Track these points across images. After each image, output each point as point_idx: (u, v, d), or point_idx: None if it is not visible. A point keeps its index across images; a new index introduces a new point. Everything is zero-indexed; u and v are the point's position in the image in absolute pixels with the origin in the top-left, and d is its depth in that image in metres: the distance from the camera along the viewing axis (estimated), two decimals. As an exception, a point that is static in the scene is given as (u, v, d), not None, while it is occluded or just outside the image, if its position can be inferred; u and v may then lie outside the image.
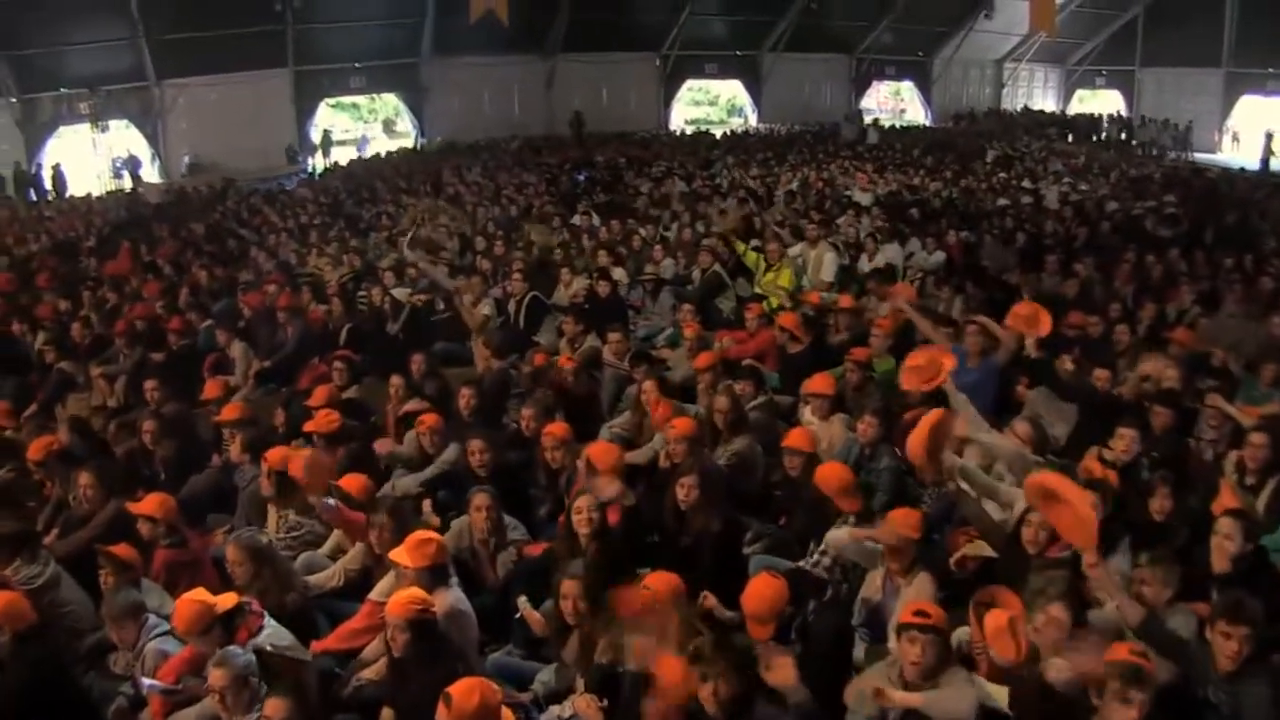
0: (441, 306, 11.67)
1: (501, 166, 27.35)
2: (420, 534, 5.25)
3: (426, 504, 7.03)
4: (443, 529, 6.40)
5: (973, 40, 41.81)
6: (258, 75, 32.60)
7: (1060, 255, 12.92)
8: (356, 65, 34.65)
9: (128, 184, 30.06)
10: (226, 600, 4.95)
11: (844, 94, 42.46)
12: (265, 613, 5.06)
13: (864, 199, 18.86)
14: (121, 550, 5.83)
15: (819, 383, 7.90)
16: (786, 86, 40.69)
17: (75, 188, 29.69)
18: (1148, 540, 5.43)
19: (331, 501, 6.05)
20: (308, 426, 7.61)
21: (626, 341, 9.80)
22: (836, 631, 5.23)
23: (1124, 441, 6.60)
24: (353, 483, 6.39)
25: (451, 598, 5.18)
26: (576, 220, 17.02)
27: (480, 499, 6.16)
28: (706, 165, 26.64)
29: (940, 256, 13.80)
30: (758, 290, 12.00)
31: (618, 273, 12.69)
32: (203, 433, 8.64)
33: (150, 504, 6.23)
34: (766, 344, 9.77)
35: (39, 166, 29.97)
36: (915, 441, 5.55)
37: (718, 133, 37.17)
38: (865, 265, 13.17)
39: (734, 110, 43.32)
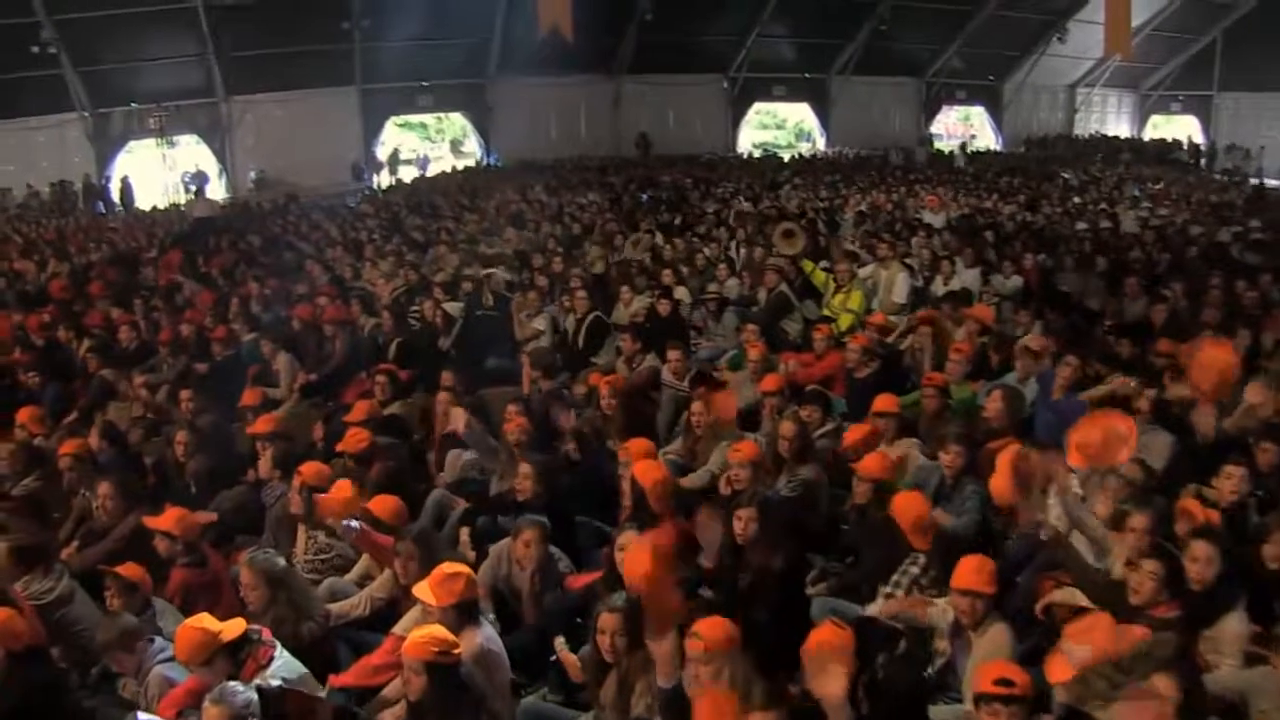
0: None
1: (565, 185, 27.04)
2: (447, 568, 4.77)
3: (464, 533, 6.57)
4: (480, 560, 5.99)
5: (1045, 65, 40.89)
6: (325, 93, 32.85)
7: (1142, 280, 12.22)
8: (423, 84, 34.64)
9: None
10: (233, 628, 4.53)
11: (913, 118, 41.71)
12: (277, 643, 4.62)
13: (936, 221, 18.20)
14: (128, 570, 5.47)
15: (884, 402, 7.42)
16: (855, 110, 40.01)
17: (143, 201, 30.05)
18: (1265, 594, 4.80)
19: (355, 524, 5.63)
20: (339, 445, 7.21)
21: (686, 359, 9.30)
22: (909, 690, 4.64)
23: (1231, 480, 5.91)
24: (383, 505, 5.97)
25: (480, 639, 4.70)
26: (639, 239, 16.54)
27: (529, 533, 5.66)
28: (773, 187, 26.15)
29: (1018, 281, 13.13)
30: (826, 312, 11.47)
31: (680, 292, 12.20)
32: (241, 447, 8.27)
33: (168, 520, 5.87)
34: (834, 368, 9.21)
35: (107, 179, 30.45)
36: (1002, 481, 4.99)
37: (785, 156, 36.57)
38: (939, 288, 12.54)
39: (801, 134, 42.69)
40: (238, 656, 4.50)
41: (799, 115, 42.67)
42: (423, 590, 4.70)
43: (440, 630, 4.34)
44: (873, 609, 5.47)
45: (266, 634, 4.63)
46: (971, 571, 4.80)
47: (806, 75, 39.37)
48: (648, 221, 18.89)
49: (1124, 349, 9.07)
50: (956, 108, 43.59)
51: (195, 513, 6.28)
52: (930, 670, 5.02)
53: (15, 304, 14.15)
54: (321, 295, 12.30)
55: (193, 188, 30.77)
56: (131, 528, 6.24)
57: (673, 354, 9.16)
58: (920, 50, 39.78)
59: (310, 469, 6.30)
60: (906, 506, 5.49)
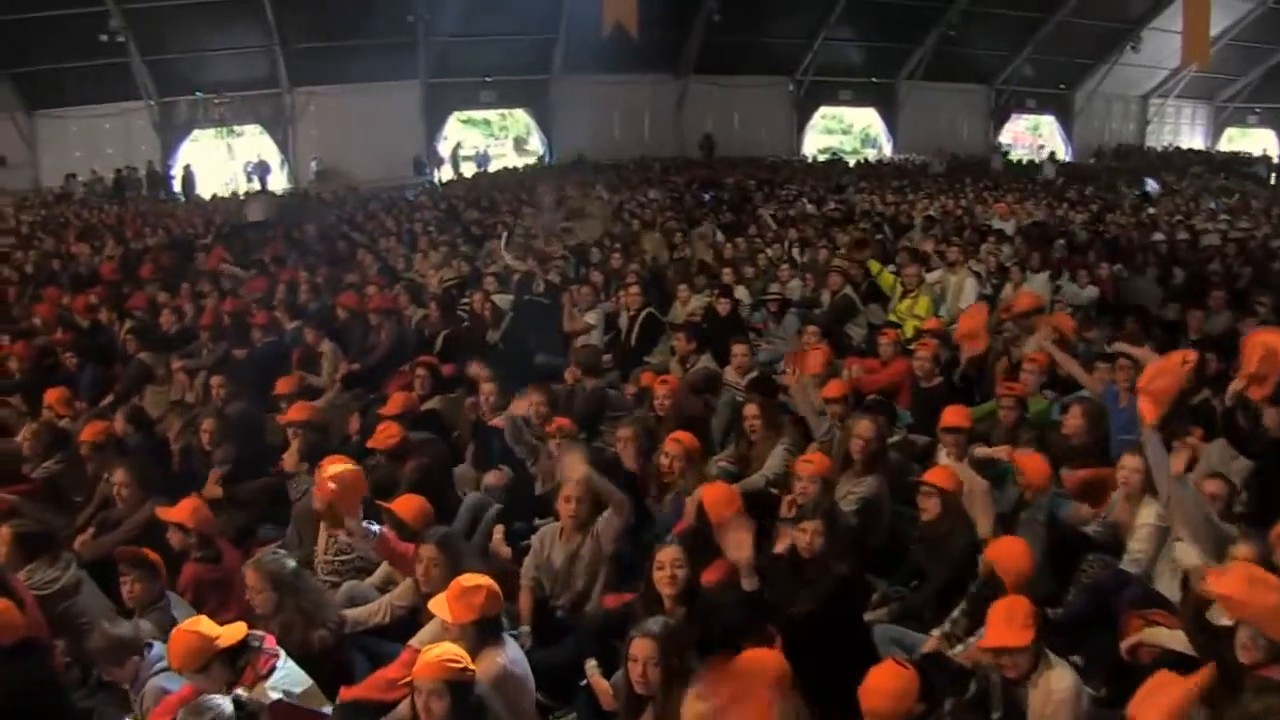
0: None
1: (626, 184, 26.65)
2: (467, 580, 4.28)
3: (497, 532, 6.13)
4: (516, 561, 5.56)
5: (1117, 74, 39.67)
6: (388, 86, 32.58)
7: (1225, 293, 11.52)
8: (487, 80, 34.37)
9: (257, 188, 30.46)
10: (231, 634, 4.12)
11: (981, 126, 40.72)
12: (280, 652, 4.21)
13: (1005, 228, 17.53)
14: (144, 551, 5.15)
15: (955, 415, 6.75)
16: (922, 117, 39.04)
17: (205, 190, 30.23)
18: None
19: (374, 527, 5.17)
20: (370, 441, 6.81)
21: (751, 356, 8.79)
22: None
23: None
24: (407, 506, 5.52)
25: (501, 660, 4.23)
26: (699, 235, 16.07)
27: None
28: (839, 190, 25.56)
29: (1093, 291, 12.49)
30: (891, 318, 10.93)
31: (740, 292, 11.71)
32: (274, 437, 7.90)
33: (182, 511, 5.50)
34: (900, 376, 8.65)
35: (170, 167, 30.75)
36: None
37: (850, 162, 35.94)
38: (1009, 294, 11.93)
39: (867, 140, 41.90)
40: (236, 664, 4.11)
41: (865, 121, 41.80)
42: (439, 605, 4.24)
43: (455, 649, 3.89)
44: (934, 642, 4.95)
45: (270, 641, 4.22)
46: (1000, 623, 4.13)
47: (874, 80, 38.54)
48: (709, 220, 18.42)
49: (1211, 364, 8.42)
50: (1026, 116, 42.48)
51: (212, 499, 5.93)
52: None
53: (69, 286, 14.00)
54: (371, 285, 11.97)
55: (254, 177, 31.36)
56: (146, 517, 5.90)
57: (738, 349, 8.64)
58: (990, 57, 38.80)
59: (333, 463, 5.88)
60: (1010, 557, 4.81)
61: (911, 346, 9.09)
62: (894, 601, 5.57)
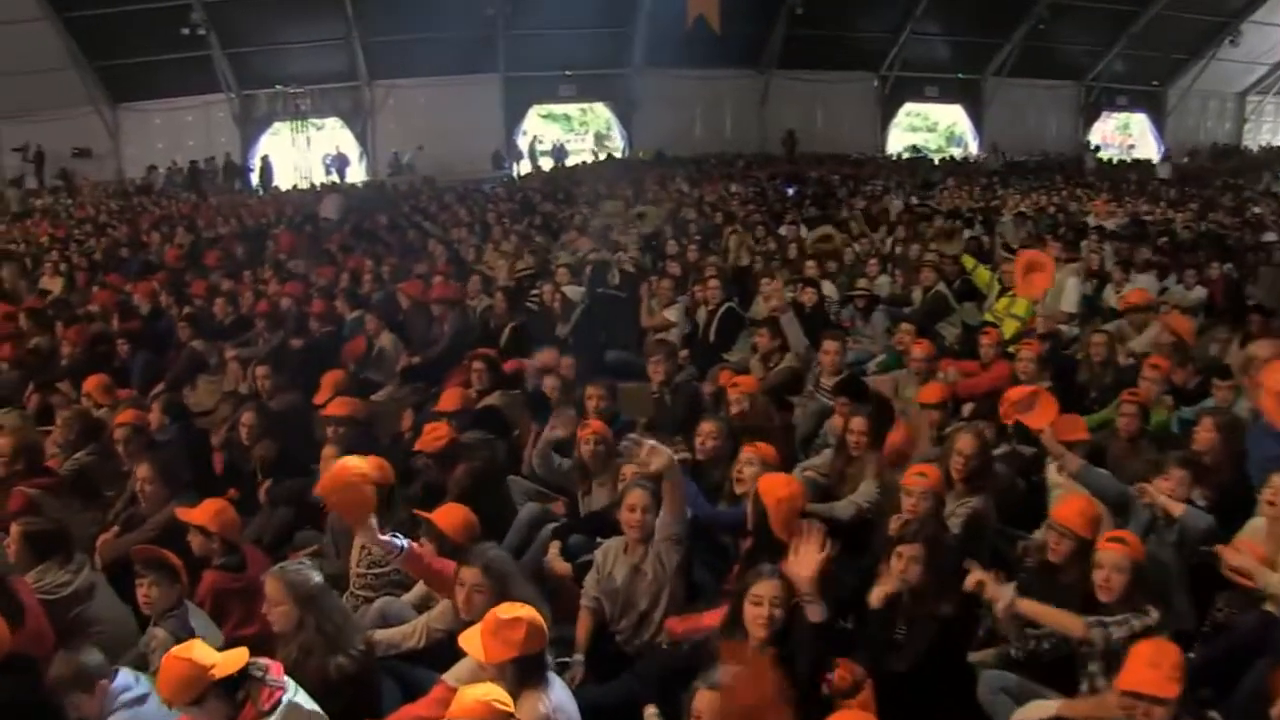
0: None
1: (707, 178, 25.97)
2: (506, 612, 3.61)
3: (553, 547, 5.50)
4: (577, 579, 4.95)
5: (1214, 70, 37.93)
6: (468, 79, 32.46)
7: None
8: (566, 73, 34.00)
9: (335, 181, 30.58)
10: (229, 662, 3.53)
11: (1071, 124, 39.25)
12: (287, 684, 3.61)
13: (1105, 225, 16.56)
14: (164, 553, 4.63)
15: (1071, 426, 5.92)
16: (1010, 114, 37.78)
17: (284, 182, 30.45)
18: None
19: (400, 541, 4.48)
20: (417, 443, 6.19)
21: (843, 353, 7.98)
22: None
23: None
24: (449, 517, 4.85)
25: (544, 707, 3.55)
26: (783, 231, 15.30)
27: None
28: (925, 187, 24.65)
29: (1201, 292, 11.57)
30: (988, 317, 10.09)
31: (826, 288, 10.96)
32: (324, 433, 7.35)
33: (203, 512, 4.97)
34: (1002, 380, 7.80)
35: (249, 159, 31.04)
36: None
37: (936, 160, 34.89)
38: (1111, 295, 11.05)
39: (953, 138, 40.68)
40: (235, 697, 3.52)
41: (950, 118, 40.63)
42: (471, 641, 3.58)
43: (497, 692, 3.24)
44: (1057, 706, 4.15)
45: (275, 670, 3.61)
46: (1144, 667, 3.51)
47: (960, 76, 37.39)
48: (793, 214, 17.68)
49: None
50: (1116, 114, 40.83)
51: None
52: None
53: (137, 273, 13.74)
54: (438, 275, 11.45)
55: (333, 170, 31.45)
56: (169, 517, 5.36)
57: (828, 346, 7.81)
58: (1080, 52, 37.36)
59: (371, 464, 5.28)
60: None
61: (1012, 348, 8.28)
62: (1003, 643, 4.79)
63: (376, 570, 5.01)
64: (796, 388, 7.94)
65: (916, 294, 10.86)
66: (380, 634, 4.53)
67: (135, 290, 11.59)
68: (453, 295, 9.98)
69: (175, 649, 3.53)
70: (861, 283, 11.19)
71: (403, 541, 4.48)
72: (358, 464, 4.54)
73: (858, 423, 6.13)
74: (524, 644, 3.52)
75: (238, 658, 3.53)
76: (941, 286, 10.55)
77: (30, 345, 9.82)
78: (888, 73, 36.85)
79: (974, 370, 8.16)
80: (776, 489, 4.72)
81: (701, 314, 9.90)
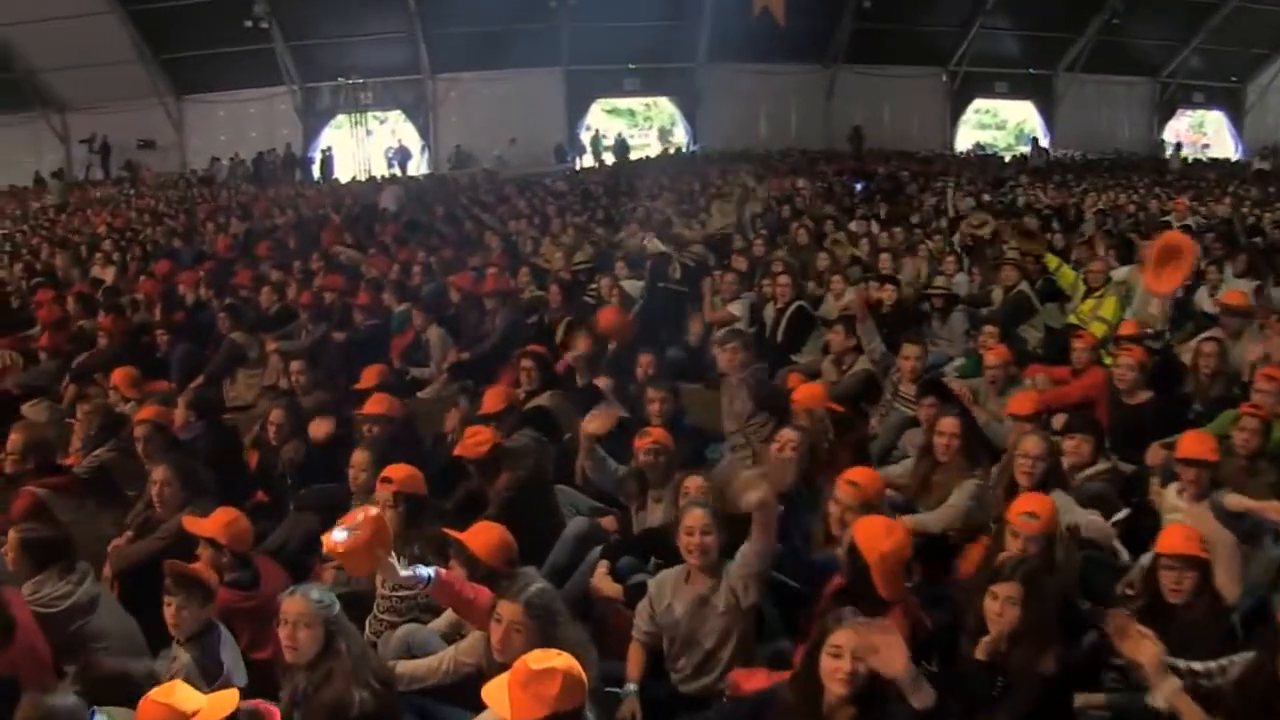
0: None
1: (773, 173, 25.29)
2: (538, 660, 2.96)
3: (602, 567, 4.94)
4: (630, 603, 4.37)
5: (1297, 66, 36.33)
6: (530, 72, 32.23)
7: None
8: (630, 66, 33.62)
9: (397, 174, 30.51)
10: (215, 709, 2.97)
11: (1145, 122, 37.87)
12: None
13: (1190, 224, 15.64)
14: (198, 570, 4.20)
15: (1198, 444, 5.07)
16: (1081, 111, 36.61)
17: (344, 175, 30.49)
18: None
19: (424, 573, 3.90)
20: (457, 448, 5.62)
21: (925, 358, 7.32)
22: None
23: None
24: (483, 538, 4.24)
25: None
26: (854, 227, 14.60)
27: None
28: (997, 184, 23.77)
29: (1303, 296, 10.70)
30: (1072, 319, 9.34)
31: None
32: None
33: (214, 523, 4.49)
34: (1097, 389, 7.12)
35: (310, 151, 31.23)
36: None
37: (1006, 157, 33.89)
38: (1204, 298, 10.26)
39: (1022, 135, 39.50)
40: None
41: (1020, 115, 39.50)
42: (496, 695, 2.97)
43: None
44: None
45: (272, 714, 3.07)
46: None
47: (1031, 71, 36.30)
48: (863, 210, 16.98)
49: None
50: (1191, 112, 39.30)
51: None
52: None
53: (189, 263, 13.42)
54: (491, 267, 10.94)
55: (395, 163, 31.49)
56: (182, 525, 4.85)
57: (910, 350, 7.14)
58: (1155, 47, 35.97)
59: (399, 472, 4.73)
60: None
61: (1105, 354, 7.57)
62: (1114, 692, 4.11)
63: (403, 593, 4.45)
64: (872, 395, 7.30)
65: (996, 294, 10.13)
66: (404, 666, 3.98)
67: (180, 280, 11.22)
68: (505, 288, 9.43)
69: (154, 692, 2.98)
70: (939, 280, 10.52)
71: (428, 572, 3.91)
72: (364, 518, 3.93)
73: (948, 423, 5.48)
74: (558, 700, 2.90)
75: (225, 703, 2.98)
76: (1024, 286, 9.83)
77: (70, 334, 9.51)
78: (956, 68, 35.91)
79: (1064, 377, 7.47)
80: (878, 540, 3.99)
81: (769, 312, 9.32)
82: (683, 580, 4.29)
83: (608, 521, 5.63)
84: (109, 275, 13.21)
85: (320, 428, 6.20)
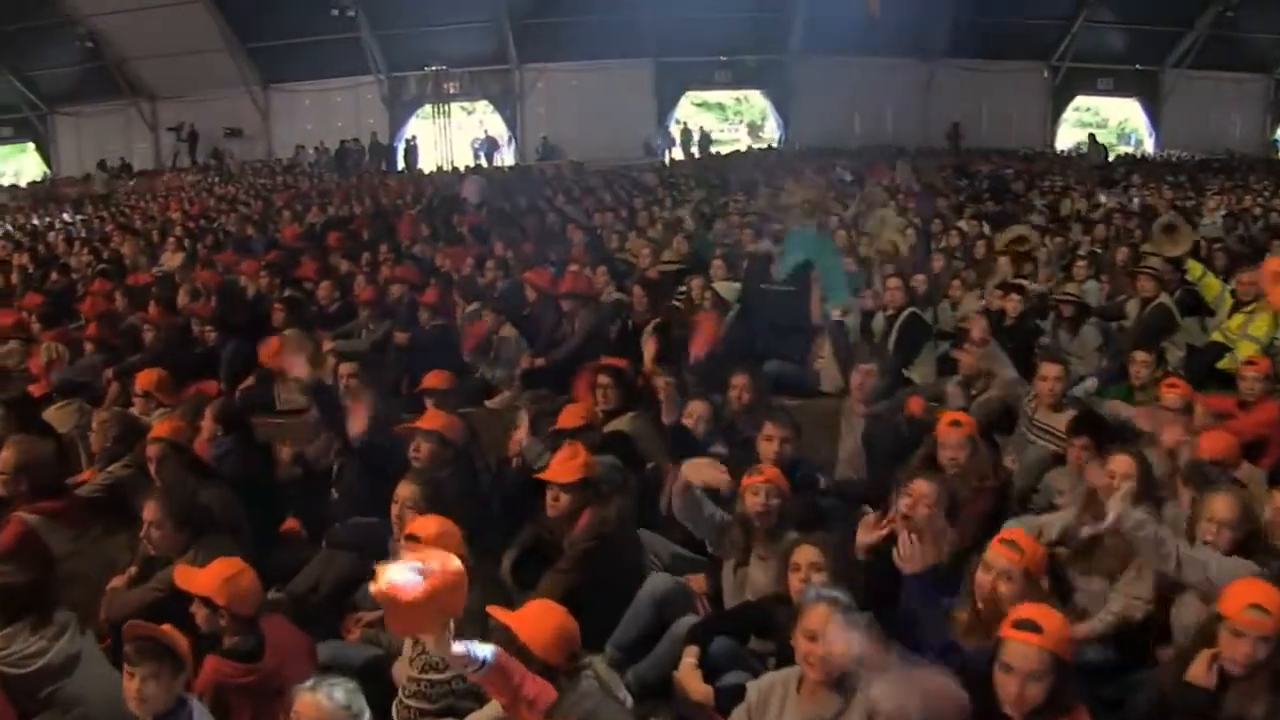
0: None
1: (871, 169, 24.11)
2: None
3: (689, 656, 3.92)
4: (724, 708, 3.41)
5: None
6: (619, 64, 31.61)
7: None
8: (721, 58, 32.60)
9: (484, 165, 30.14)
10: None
11: (1257, 122, 35.40)
12: None
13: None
14: (167, 633, 3.30)
15: None
16: (1189, 110, 34.32)
17: (428, 165, 30.09)
18: None
19: (481, 653, 2.94)
20: (549, 471, 4.61)
21: (1067, 380, 6.19)
22: None
23: None
24: (541, 627, 3.23)
25: None
26: (964, 226, 13.39)
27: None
28: (1108, 184, 22.32)
29: None
30: (1216, 337, 8.19)
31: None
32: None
33: (209, 578, 3.63)
34: (1271, 425, 6.00)
35: (395, 140, 30.96)
36: None
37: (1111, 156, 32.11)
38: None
39: (1124, 135, 37.66)
40: None
41: (1122, 113, 37.60)
42: None
43: None
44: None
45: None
46: None
47: (1137, 68, 34.42)
48: (971, 209, 15.78)
49: None
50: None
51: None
52: None
53: (261, 252, 12.78)
54: (573, 263, 10.00)
55: (482, 154, 31.16)
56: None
57: (1049, 370, 6.02)
58: (1271, 43, 33.31)
59: (430, 527, 3.80)
60: None
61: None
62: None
63: (434, 676, 3.52)
64: (1008, 424, 6.24)
65: (1131, 306, 8.95)
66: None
67: (241, 270, 10.50)
68: (585, 288, 8.47)
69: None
70: (1070, 287, 9.38)
71: (485, 653, 2.96)
72: (435, 574, 2.94)
73: (1122, 463, 4.35)
74: None
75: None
76: (1165, 298, 8.67)
77: (120, 327, 8.84)
78: (1059, 63, 34.33)
79: (1230, 409, 6.34)
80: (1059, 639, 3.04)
81: (878, 319, 8.29)
82: (794, 689, 3.27)
83: (696, 581, 4.63)
84: (177, 263, 12.63)
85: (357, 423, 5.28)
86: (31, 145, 32.92)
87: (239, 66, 30.61)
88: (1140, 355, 7.03)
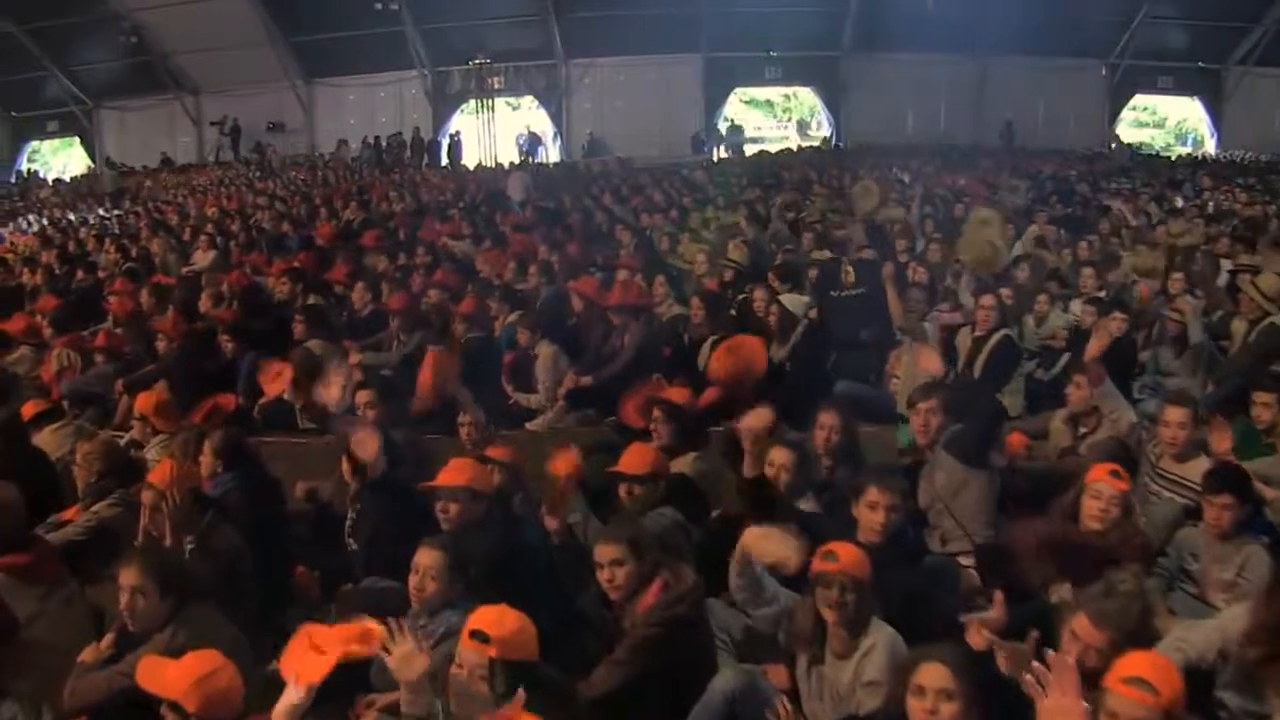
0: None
1: (927, 167, 23.22)
2: None
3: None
4: None
5: None
6: (667, 59, 30.98)
7: None
8: (772, 54, 31.76)
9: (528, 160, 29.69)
10: None
11: (1328, 122, 34.29)
12: None
13: None
14: None
15: None
16: (1254, 110, 32.82)
17: (472, 160, 29.83)
18: None
19: None
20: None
21: (1194, 424, 5.25)
22: None
23: None
24: None
25: None
26: (1038, 231, 12.42)
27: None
28: (1174, 186, 21.26)
29: None
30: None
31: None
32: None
33: (180, 678, 2.94)
34: None
35: (438, 135, 30.56)
36: None
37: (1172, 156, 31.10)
38: None
39: (1182, 135, 36.34)
40: None
41: (1181, 113, 36.33)
42: None
43: None
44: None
45: None
46: None
47: (1200, 65, 33.06)
48: (1040, 212, 14.85)
49: None
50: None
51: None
52: None
53: (296, 251, 12.15)
54: (622, 269, 9.19)
55: (526, 150, 30.78)
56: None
57: (1174, 414, 5.15)
58: (1344, 35, 32.40)
59: (501, 625, 3.01)
60: None
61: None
62: None
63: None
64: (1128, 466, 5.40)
65: (1237, 325, 8.04)
66: None
67: (270, 272, 9.82)
68: (636, 298, 7.66)
69: None
70: (1180, 303, 8.45)
71: None
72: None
73: None
74: None
75: None
76: (1278, 317, 7.76)
77: (133, 332, 8.21)
78: (1118, 60, 33.10)
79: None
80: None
81: (962, 339, 7.45)
82: None
83: (776, 674, 3.79)
84: (208, 262, 12.03)
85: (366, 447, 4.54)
86: (77, 140, 32.99)
87: (282, 61, 30.49)
88: (1263, 397, 6.06)
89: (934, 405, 4.85)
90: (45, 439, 5.69)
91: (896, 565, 3.64)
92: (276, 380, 5.96)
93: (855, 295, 7.53)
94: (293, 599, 4.40)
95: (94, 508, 4.60)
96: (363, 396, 5.45)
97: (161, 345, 7.68)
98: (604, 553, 3.66)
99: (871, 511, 4.01)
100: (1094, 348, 5.74)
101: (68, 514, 4.78)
